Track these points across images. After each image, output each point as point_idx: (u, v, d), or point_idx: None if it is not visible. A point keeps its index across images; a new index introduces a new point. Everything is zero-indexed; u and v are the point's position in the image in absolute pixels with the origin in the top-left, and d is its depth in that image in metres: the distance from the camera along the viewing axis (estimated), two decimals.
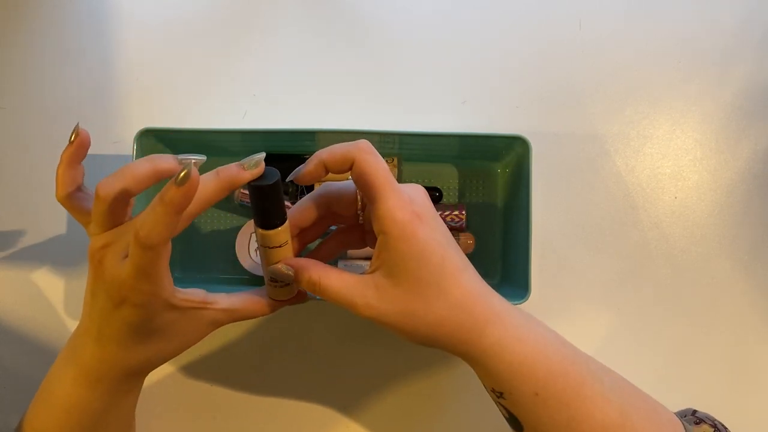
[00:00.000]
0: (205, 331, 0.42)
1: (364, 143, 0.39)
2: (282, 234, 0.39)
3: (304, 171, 0.39)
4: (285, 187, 0.58)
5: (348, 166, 0.38)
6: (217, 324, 0.42)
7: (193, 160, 0.37)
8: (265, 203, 0.38)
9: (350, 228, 0.45)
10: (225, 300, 0.42)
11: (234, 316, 0.42)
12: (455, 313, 0.37)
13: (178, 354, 0.42)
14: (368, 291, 0.37)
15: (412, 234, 0.36)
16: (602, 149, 0.60)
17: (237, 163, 0.37)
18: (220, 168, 0.37)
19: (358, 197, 0.41)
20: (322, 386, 0.58)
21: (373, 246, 0.40)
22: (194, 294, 0.40)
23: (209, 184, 0.36)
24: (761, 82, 0.61)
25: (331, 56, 0.62)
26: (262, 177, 0.37)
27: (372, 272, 0.38)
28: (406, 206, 0.37)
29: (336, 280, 0.38)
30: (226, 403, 0.58)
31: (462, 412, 0.58)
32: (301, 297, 0.44)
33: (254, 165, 0.37)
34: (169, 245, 0.36)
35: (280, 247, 0.40)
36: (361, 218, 0.43)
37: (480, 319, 0.37)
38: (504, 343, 0.37)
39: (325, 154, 0.39)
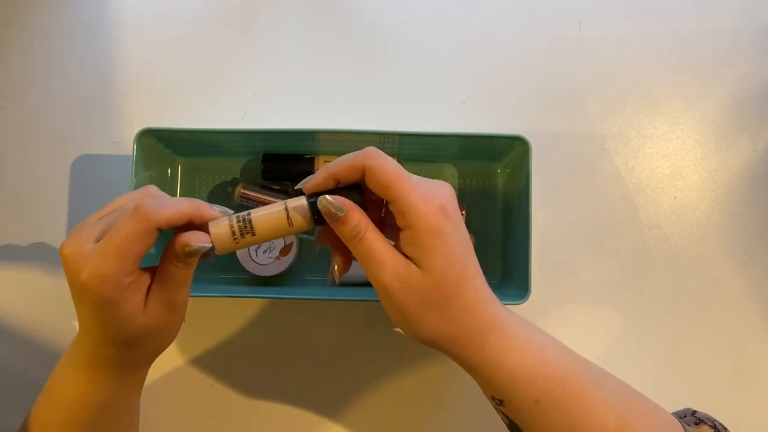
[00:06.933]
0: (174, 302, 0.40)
1: (371, 149, 0.37)
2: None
3: (311, 182, 0.38)
4: (285, 188, 0.58)
5: (359, 175, 0.37)
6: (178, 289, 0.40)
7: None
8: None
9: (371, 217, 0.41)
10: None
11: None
12: (464, 316, 0.37)
13: (171, 338, 0.41)
14: (401, 263, 0.36)
15: (438, 228, 0.36)
16: (602, 149, 0.60)
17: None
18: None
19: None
20: (321, 386, 0.58)
21: (391, 238, 0.39)
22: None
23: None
24: (760, 82, 0.61)
25: (331, 56, 0.62)
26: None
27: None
28: (431, 200, 0.36)
29: (381, 238, 0.37)
30: (226, 403, 0.58)
31: (459, 413, 0.58)
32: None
33: None
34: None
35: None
36: (383, 212, 0.41)
37: (485, 327, 0.37)
38: (504, 351, 0.37)
39: (333, 166, 0.38)
